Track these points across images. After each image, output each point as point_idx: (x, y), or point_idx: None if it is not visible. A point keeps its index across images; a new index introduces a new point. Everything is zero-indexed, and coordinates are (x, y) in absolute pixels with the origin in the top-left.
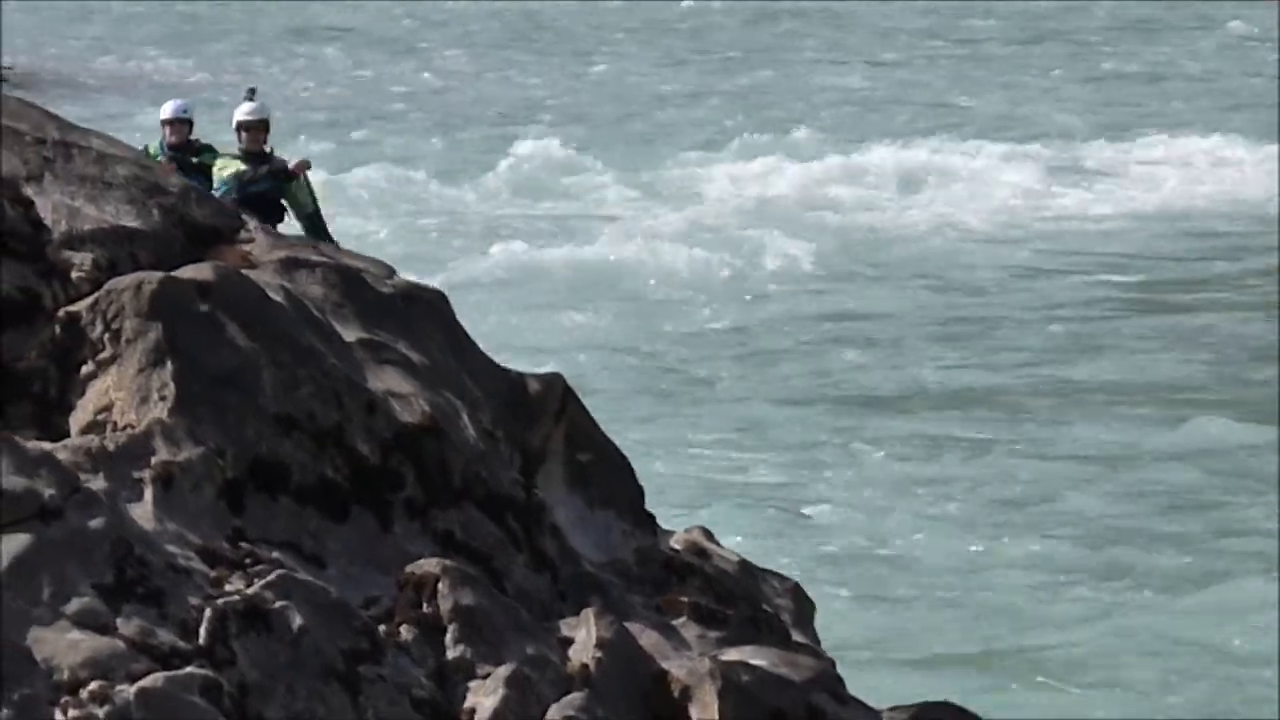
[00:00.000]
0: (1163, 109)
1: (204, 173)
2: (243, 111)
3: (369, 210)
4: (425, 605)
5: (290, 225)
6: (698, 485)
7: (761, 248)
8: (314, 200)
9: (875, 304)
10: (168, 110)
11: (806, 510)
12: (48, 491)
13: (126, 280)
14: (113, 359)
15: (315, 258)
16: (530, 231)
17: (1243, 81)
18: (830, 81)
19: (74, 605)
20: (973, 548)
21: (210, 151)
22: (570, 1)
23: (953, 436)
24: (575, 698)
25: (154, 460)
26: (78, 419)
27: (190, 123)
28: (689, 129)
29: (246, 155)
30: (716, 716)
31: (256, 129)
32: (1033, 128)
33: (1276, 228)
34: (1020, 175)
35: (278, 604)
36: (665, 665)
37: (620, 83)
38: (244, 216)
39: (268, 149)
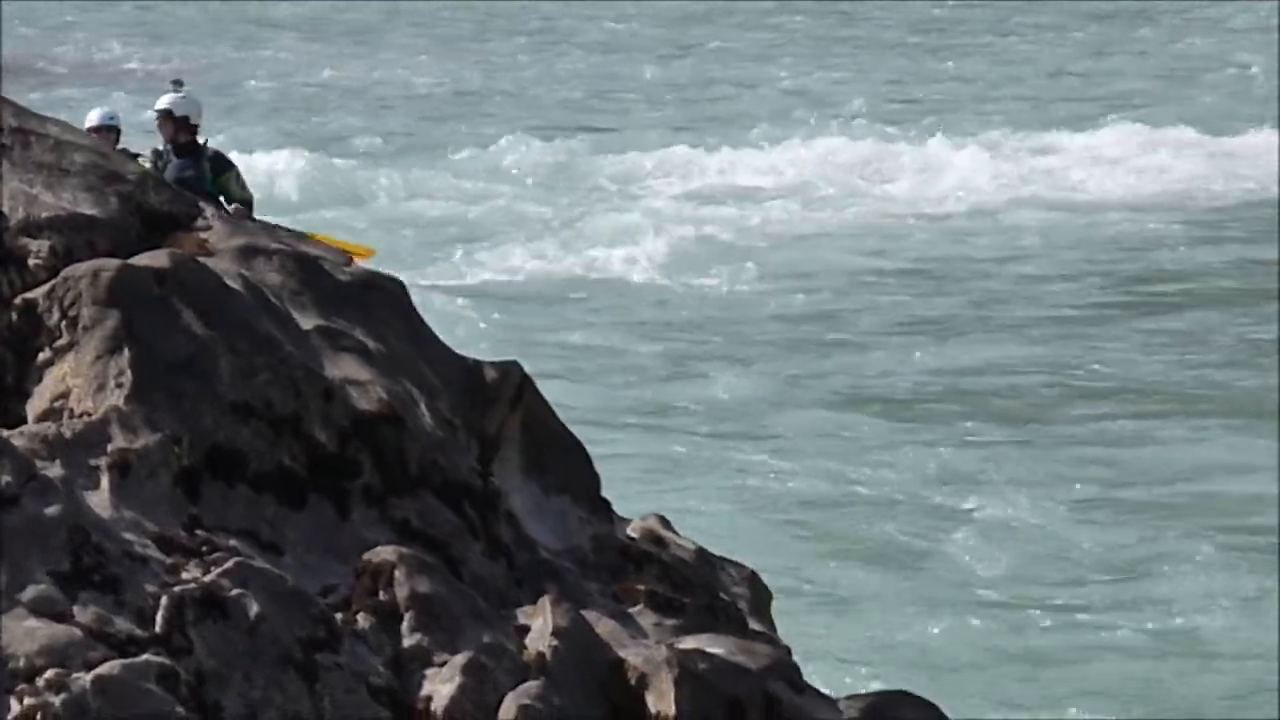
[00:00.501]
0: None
1: None
2: (163, 101)
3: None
4: (382, 593)
5: None
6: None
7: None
8: (247, 192)
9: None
10: (94, 118)
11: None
12: (4, 479)
13: (83, 267)
14: (70, 346)
15: (273, 245)
16: (493, 228)
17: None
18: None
19: (30, 593)
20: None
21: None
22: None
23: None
24: (531, 686)
25: (110, 448)
26: (34, 406)
27: (118, 130)
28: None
29: (175, 149)
30: (673, 705)
31: (178, 123)
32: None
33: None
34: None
35: (234, 592)
36: (622, 653)
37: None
38: (201, 204)
39: (201, 140)
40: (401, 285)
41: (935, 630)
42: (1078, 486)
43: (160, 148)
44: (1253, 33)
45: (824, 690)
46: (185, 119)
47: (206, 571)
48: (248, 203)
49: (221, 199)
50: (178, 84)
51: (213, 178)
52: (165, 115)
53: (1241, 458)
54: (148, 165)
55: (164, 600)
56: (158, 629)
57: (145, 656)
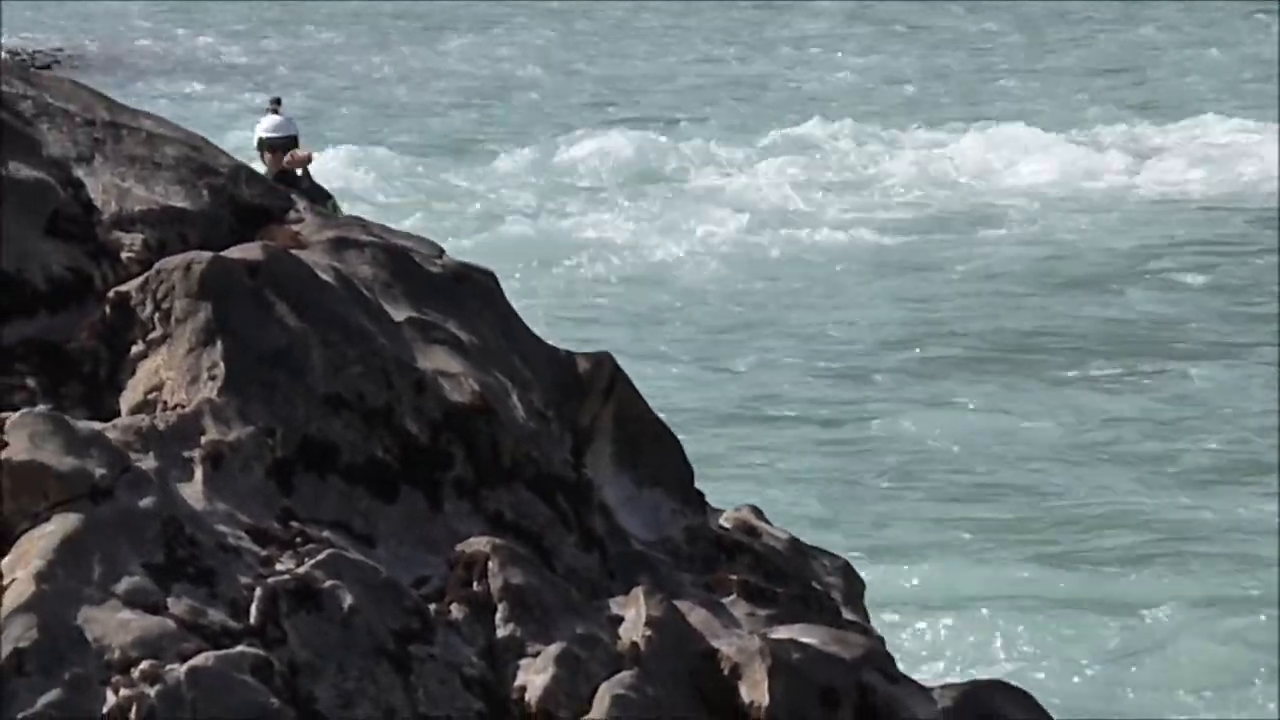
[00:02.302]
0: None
1: None
2: (265, 127)
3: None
4: (475, 584)
5: None
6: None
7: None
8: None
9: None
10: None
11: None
12: (98, 471)
13: (176, 260)
14: (163, 339)
15: (365, 237)
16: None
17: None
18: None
19: (124, 585)
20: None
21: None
22: None
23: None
24: (625, 676)
25: (204, 440)
26: (128, 399)
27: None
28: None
29: (275, 178)
30: (767, 695)
31: (280, 149)
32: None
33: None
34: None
35: (328, 583)
36: (715, 643)
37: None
38: (293, 196)
39: (298, 172)
40: (493, 276)
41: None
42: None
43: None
44: None
45: (918, 679)
46: (293, 139)
47: (300, 563)
48: None
49: None
50: (276, 104)
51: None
52: (286, 142)
53: None
54: None
55: (258, 592)
56: (252, 620)
57: (239, 648)
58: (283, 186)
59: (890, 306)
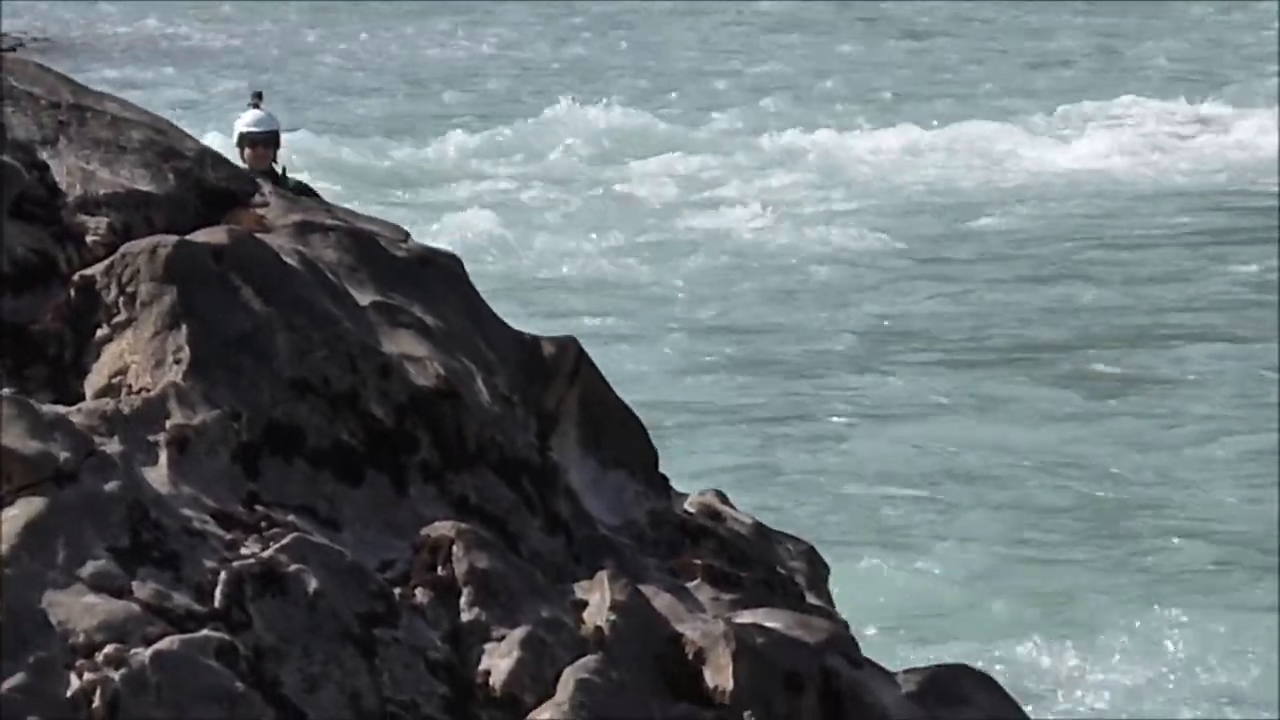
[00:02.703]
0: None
1: None
2: (245, 122)
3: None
4: (440, 568)
5: None
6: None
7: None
8: None
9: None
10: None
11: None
12: (62, 455)
13: (141, 244)
14: (128, 322)
15: (329, 221)
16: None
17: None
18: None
19: (89, 569)
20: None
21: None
22: None
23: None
24: (589, 660)
25: (169, 424)
26: (92, 382)
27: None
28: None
29: (256, 174)
30: (731, 679)
31: (261, 144)
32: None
33: None
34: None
35: (293, 567)
36: (679, 628)
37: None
38: (258, 180)
39: (278, 168)
40: (458, 260)
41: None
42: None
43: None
44: None
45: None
46: (276, 140)
47: (265, 547)
48: None
49: None
50: (258, 97)
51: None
52: (266, 137)
53: None
54: None
55: (223, 576)
56: (216, 604)
57: (204, 632)
58: (264, 182)
59: (872, 303)
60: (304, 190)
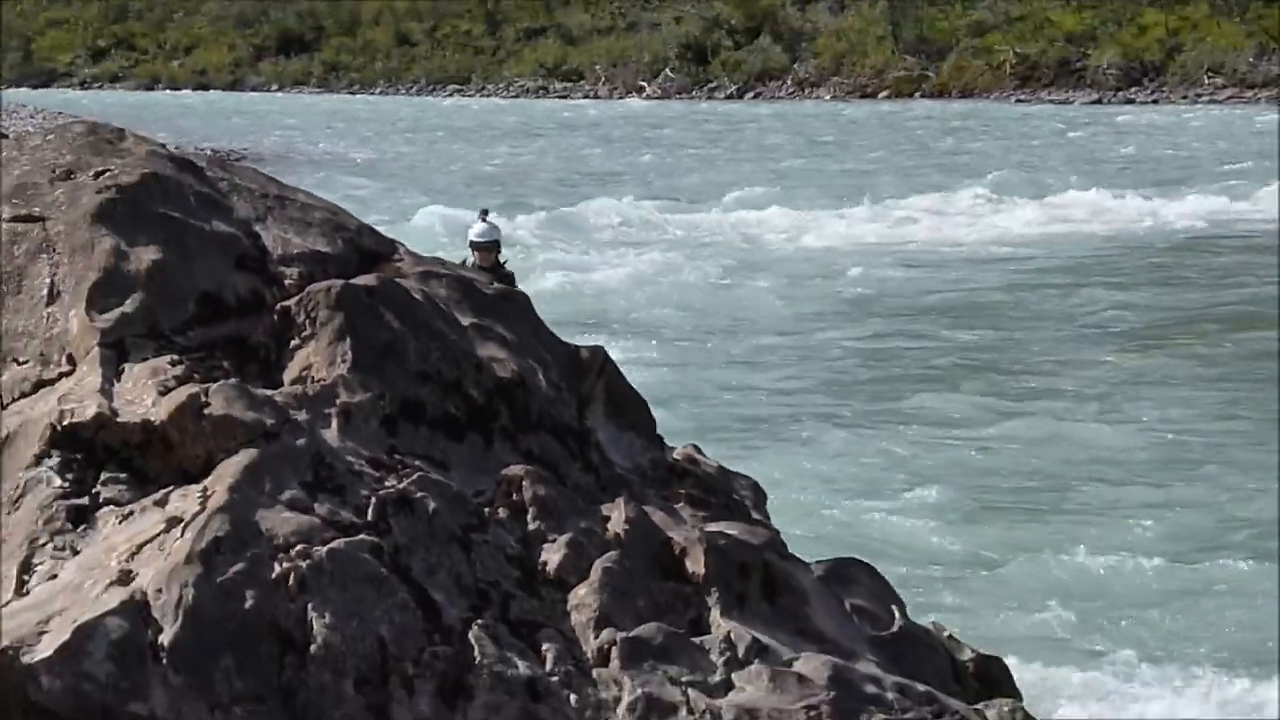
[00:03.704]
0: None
1: None
2: (473, 233)
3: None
4: (514, 495)
5: None
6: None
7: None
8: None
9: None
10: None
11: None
12: (269, 421)
13: (320, 285)
14: (311, 336)
15: (443, 271)
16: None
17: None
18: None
19: (286, 495)
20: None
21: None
22: None
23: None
24: (611, 554)
25: (338, 401)
26: (288, 375)
27: (497, 244)
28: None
29: (480, 270)
30: (703, 567)
31: (485, 250)
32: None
33: None
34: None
35: (419, 494)
36: (669, 534)
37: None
38: (398, 242)
39: (503, 259)
40: (527, 297)
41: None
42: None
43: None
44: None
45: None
46: (497, 243)
47: (400, 481)
48: None
49: None
50: (484, 214)
51: None
52: (487, 246)
53: None
54: None
55: (373, 500)
56: (369, 518)
57: (360, 536)
58: (486, 277)
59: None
60: (510, 280)
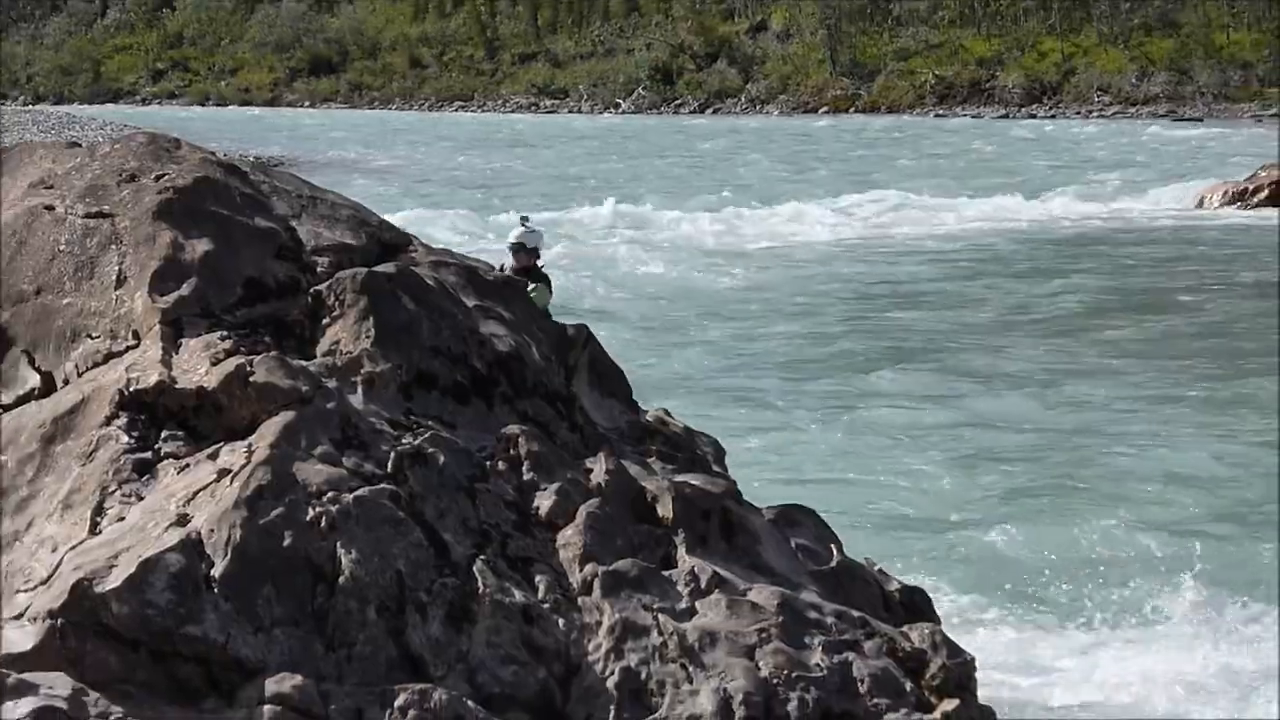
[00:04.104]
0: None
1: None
2: (513, 235)
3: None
4: (511, 450)
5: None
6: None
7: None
8: (542, 301)
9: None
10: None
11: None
12: (304, 388)
13: (347, 272)
14: (339, 316)
15: (451, 260)
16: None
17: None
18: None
19: (318, 450)
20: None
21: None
22: None
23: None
24: (594, 501)
25: (362, 371)
26: (320, 349)
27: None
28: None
29: (517, 272)
30: (672, 512)
31: (520, 252)
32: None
33: None
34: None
35: (431, 450)
36: (643, 484)
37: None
38: (412, 235)
39: (540, 264)
40: (525, 283)
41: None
42: None
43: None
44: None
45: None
46: (536, 249)
47: (415, 439)
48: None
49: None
50: (524, 220)
51: (533, 296)
52: (518, 248)
53: None
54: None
55: (392, 455)
56: (389, 470)
57: (381, 485)
58: (523, 278)
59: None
60: (545, 279)
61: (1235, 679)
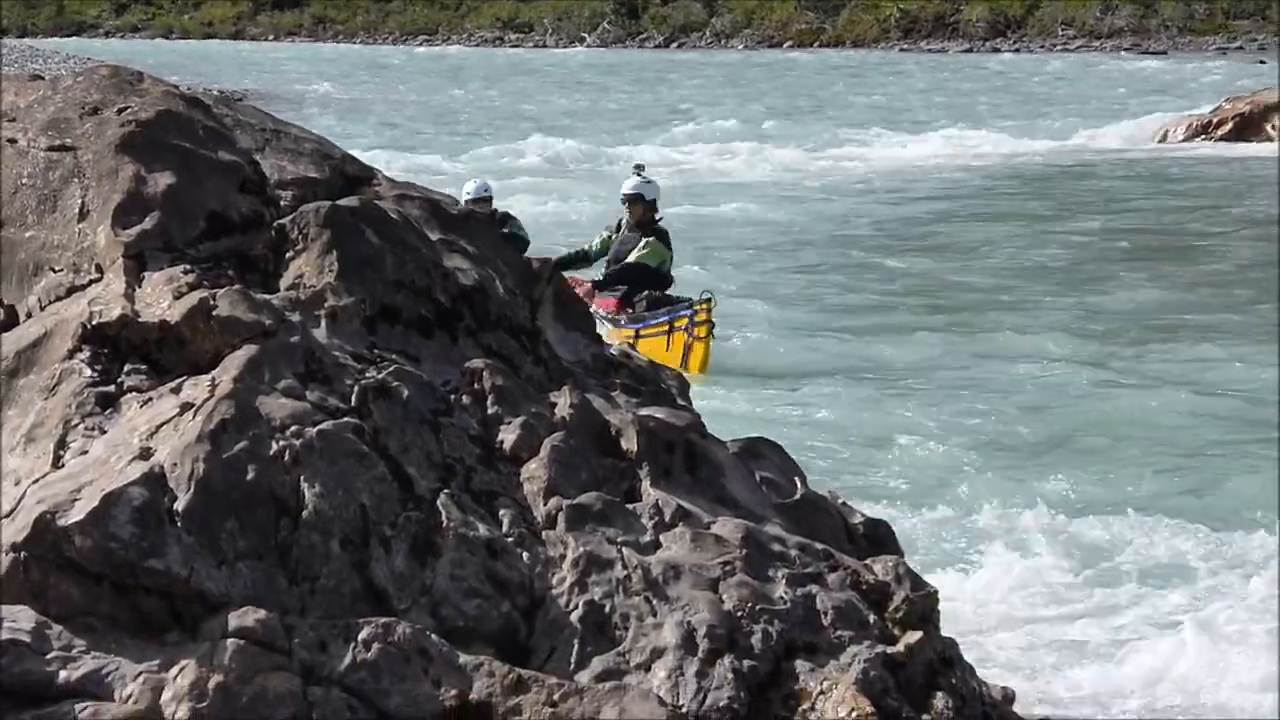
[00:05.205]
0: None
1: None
2: (627, 186)
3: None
4: (475, 384)
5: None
6: None
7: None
8: (657, 260)
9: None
10: (470, 190)
11: None
12: (267, 321)
13: (311, 206)
14: (303, 249)
15: (414, 194)
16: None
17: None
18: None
19: (282, 384)
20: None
21: (511, 220)
22: None
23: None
24: (558, 434)
25: (325, 305)
26: (283, 282)
27: (489, 198)
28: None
29: (633, 227)
30: (636, 444)
31: (633, 202)
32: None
33: None
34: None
35: (395, 384)
36: (607, 417)
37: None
38: (375, 169)
39: (658, 217)
40: (489, 216)
41: None
42: None
43: (615, 224)
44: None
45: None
46: (653, 201)
47: (379, 372)
48: (643, 269)
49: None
50: (639, 169)
51: (644, 253)
52: (634, 199)
53: None
54: (604, 235)
55: (356, 388)
56: (353, 403)
57: (345, 419)
58: (639, 230)
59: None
60: (664, 237)
61: (1234, 672)
